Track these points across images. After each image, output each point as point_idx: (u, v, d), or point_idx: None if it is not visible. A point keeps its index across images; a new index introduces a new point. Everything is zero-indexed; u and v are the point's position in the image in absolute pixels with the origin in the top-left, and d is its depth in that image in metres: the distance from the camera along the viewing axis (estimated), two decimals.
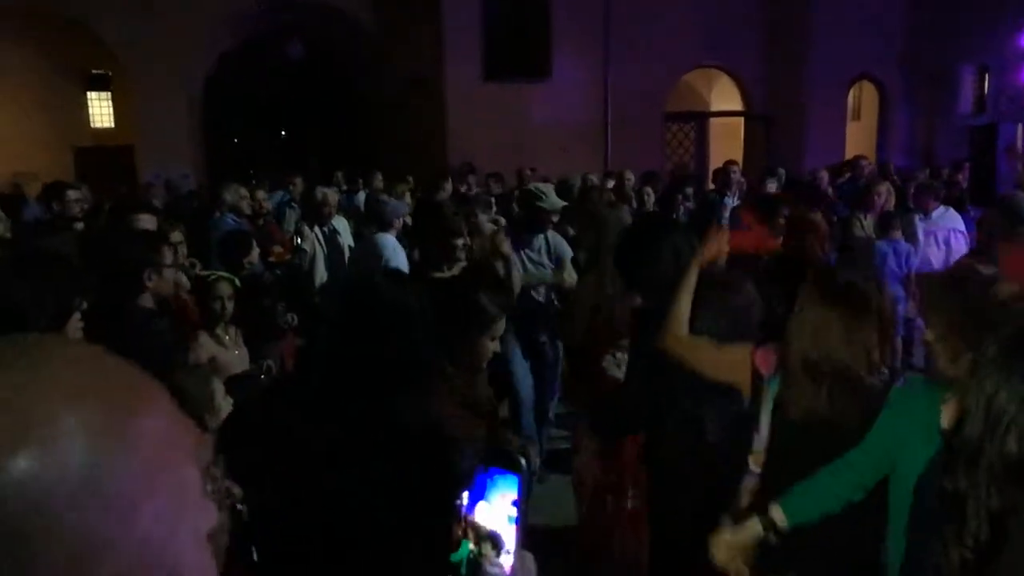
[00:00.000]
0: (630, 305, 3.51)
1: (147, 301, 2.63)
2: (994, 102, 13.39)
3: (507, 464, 2.04)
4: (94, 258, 3.04)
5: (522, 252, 5.04)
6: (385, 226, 6.01)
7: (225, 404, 2.35)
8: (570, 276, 4.99)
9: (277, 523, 1.93)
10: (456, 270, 4.31)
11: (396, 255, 5.70)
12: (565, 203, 5.56)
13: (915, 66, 14.87)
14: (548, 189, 5.20)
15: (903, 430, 1.99)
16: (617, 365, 3.70)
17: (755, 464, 2.29)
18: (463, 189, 9.04)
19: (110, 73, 15.43)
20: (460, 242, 4.37)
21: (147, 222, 4.05)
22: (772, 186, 8.35)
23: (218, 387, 2.29)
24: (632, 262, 3.00)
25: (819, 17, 14.36)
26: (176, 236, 4.70)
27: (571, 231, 6.00)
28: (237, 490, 0.76)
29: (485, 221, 6.55)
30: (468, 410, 2.82)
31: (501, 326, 2.92)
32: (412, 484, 1.88)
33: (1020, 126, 8.63)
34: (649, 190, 8.28)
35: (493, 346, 2.90)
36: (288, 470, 1.91)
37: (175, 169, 12.47)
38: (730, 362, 2.44)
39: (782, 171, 10.32)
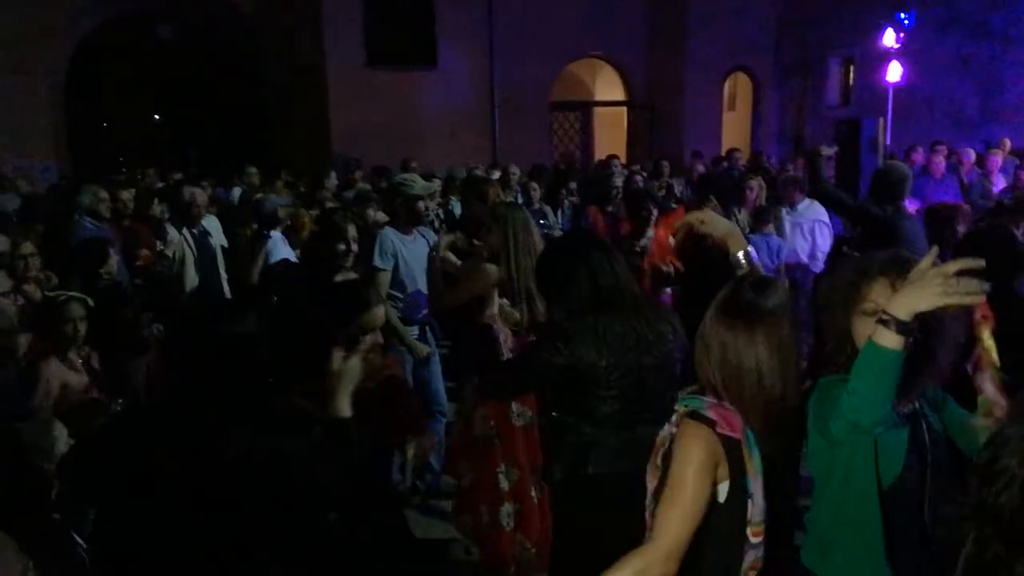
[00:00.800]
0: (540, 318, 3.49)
1: None
2: (859, 95, 14.11)
3: None
4: None
5: (405, 247, 4.92)
6: (269, 224, 5.74)
7: (66, 449, 2.21)
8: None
9: (134, 541, 1.90)
10: (345, 276, 4.19)
11: (279, 251, 5.55)
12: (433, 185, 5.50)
13: (785, 57, 15.50)
14: (413, 176, 5.14)
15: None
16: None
17: (754, 536, 1.94)
18: (349, 188, 8.85)
19: None
20: (343, 248, 4.24)
21: None
22: (619, 181, 8.44)
23: (60, 434, 2.14)
24: (551, 282, 2.87)
25: (696, 8, 14.75)
26: (27, 247, 4.40)
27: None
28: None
29: (373, 216, 6.43)
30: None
31: (376, 316, 2.85)
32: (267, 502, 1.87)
33: (881, 120, 9.10)
34: (535, 185, 8.30)
35: (372, 337, 2.82)
36: (144, 492, 1.87)
37: (35, 160, 11.69)
38: (691, 483, 1.92)
39: (665, 163, 10.54)
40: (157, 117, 23.05)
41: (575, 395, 2.65)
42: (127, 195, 6.25)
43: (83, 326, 3.39)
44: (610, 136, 15.91)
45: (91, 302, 3.51)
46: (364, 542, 2.59)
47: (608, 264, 2.72)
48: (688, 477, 1.89)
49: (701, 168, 9.86)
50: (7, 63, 12.09)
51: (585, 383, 2.61)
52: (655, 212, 6.06)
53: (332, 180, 8.84)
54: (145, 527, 1.92)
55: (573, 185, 8.61)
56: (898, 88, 10.93)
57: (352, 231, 4.34)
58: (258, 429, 1.93)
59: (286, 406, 2.10)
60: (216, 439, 1.91)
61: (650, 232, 5.93)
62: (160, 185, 9.45)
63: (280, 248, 5.84)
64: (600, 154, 14.10)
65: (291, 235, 6.22)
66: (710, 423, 1.91)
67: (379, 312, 2.88)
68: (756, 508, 1.93)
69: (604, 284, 2.68)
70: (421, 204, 4.89)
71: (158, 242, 5.76)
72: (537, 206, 7.93)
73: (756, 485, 1.92)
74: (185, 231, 5.92)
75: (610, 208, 7.47)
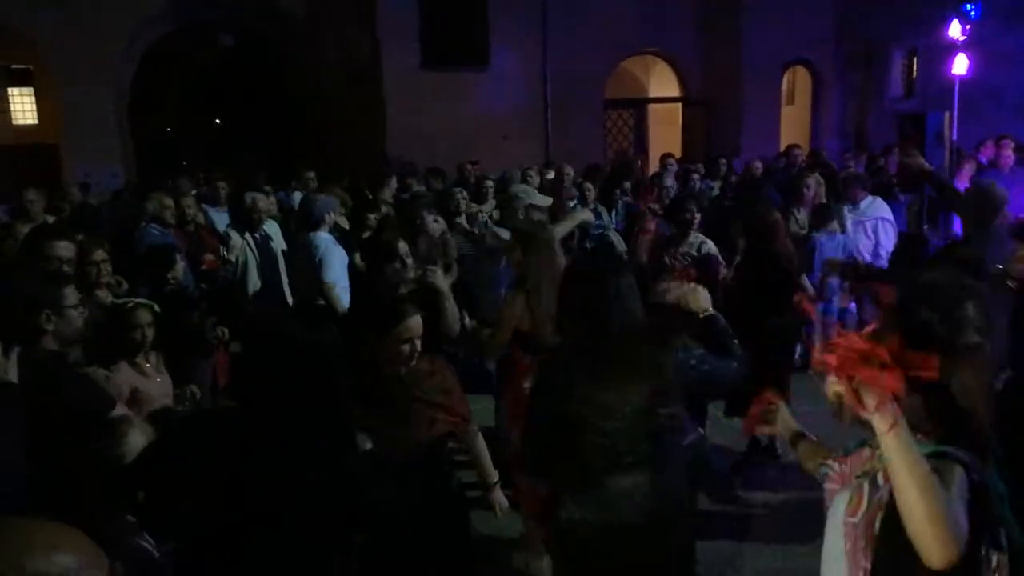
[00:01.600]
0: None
1: (50, 343, 2.51)
2: (923, 88, 13.69)
3: None
4: None
5: None
6: (315, 225, 5.72)
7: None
8: None
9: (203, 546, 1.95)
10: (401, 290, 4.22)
11: (330, 253, 5.51)
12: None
13: (846, 49, 15.12)
14: (530, 190, 5.26)
15: None
16: None
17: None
18: (404, 191, 8.90)
19: (31, 68, 14.82)
20: (399, 267, 4.24)
21: (64, 249, 3.84)
22: (669, 180, 8.37)
23: (134, 441, 2.20)
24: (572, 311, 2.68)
25: (753, 1, 14.48)
26: (99, 254, 4.53)
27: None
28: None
29: (431, 221, 6.44)
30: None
31: (412, 327, 2.89)
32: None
33: (948, 114, 8.81)
34: (589, 185, 8.26)
35: (408, 348, 2.87)
36: (216, 506, 1.92)
37: (103, 167, 12.07)
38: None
39: (723, 160, 10.39)
40: (218, 122, 23.60)
41: (561, 445, 2.46)
42: (189, 202, 6.42)
43: (150, 332, 3.50)
44: (665, 133, 15.75)
45: (157, 308, 3.61)
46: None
47: (603, 303, 2.51)
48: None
49: (759, 166, 9.68)
50: (78, 74, 12.51)
51: (569, 432, 2.42)
52: (697, 216, 5.83)
53: (392, 185, 8.77)
54: (193, 529, 1.97)
55: (628, 185, 8.54)
56: (963, 80, 10.58)
57: (404, 247, 4.28)
58: (316, 444, 1.96)
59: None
60: (268, 447, 1.94)
61: (693, 238, 5.76)
62: (194, 192, 9.59)
63: (331, 249, 5.83)
64: (655, 152, 13.97)
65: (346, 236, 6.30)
66: (963, 464, 1.60)
67: (415, 323, 2.91)
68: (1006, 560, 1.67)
69: (588, 329, 2.52)
70: (536, 213, 4.98)
71: (221, 247, 5.89)
72: (592, 206, 7.90)
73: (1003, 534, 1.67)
74: (247, 236, 6.06)
75: (658, 207, 7.39)
